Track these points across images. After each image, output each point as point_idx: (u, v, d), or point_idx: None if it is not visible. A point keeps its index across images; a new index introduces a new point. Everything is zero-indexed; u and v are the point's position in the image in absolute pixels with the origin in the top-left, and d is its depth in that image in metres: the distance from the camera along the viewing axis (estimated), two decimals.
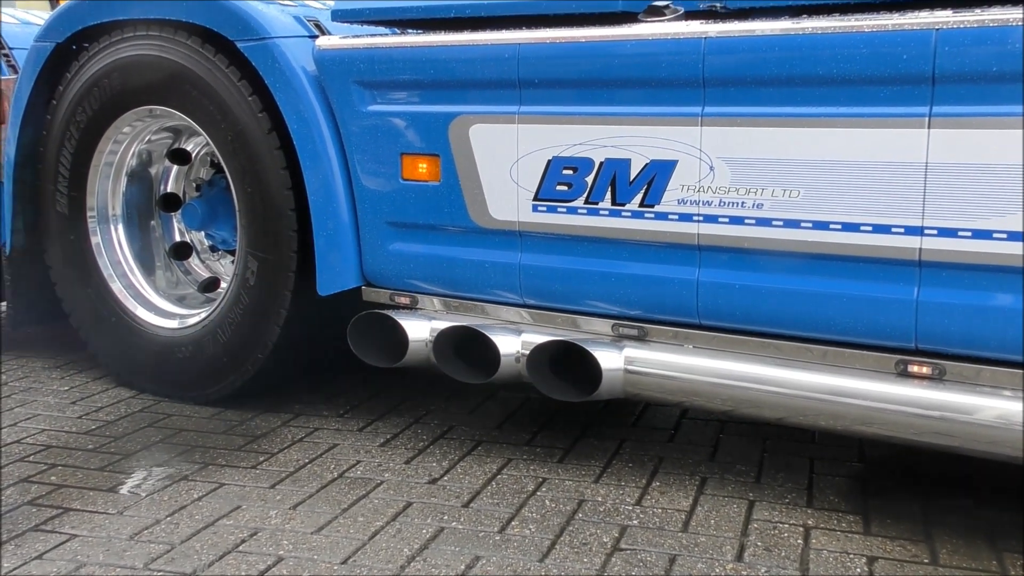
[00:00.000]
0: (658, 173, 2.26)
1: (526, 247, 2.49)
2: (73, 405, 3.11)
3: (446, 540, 2.15)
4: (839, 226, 2.08)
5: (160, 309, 3.19)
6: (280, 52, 2.69)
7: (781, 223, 2.14)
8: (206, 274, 3.38)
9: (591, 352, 2.35)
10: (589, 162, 2.34)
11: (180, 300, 3.26)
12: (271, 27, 2.72)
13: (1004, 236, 1.92)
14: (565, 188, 2.38)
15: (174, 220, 3.37)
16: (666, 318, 2.35)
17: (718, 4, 2.25)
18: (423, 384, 3.22)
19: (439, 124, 2.53)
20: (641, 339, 2.38)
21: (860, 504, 2.33)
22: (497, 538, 2.16)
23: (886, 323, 2.07)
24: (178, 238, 3.38)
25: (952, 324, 2.01)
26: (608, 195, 2.33)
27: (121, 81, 2.99)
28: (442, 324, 2.59)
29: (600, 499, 2.36)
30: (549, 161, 2.39)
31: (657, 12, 2.30)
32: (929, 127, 1.96)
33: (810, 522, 2.23)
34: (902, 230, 2.01)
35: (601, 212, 2.35)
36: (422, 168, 2.58)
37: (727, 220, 2.19)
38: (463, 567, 2.03)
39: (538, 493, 2.40)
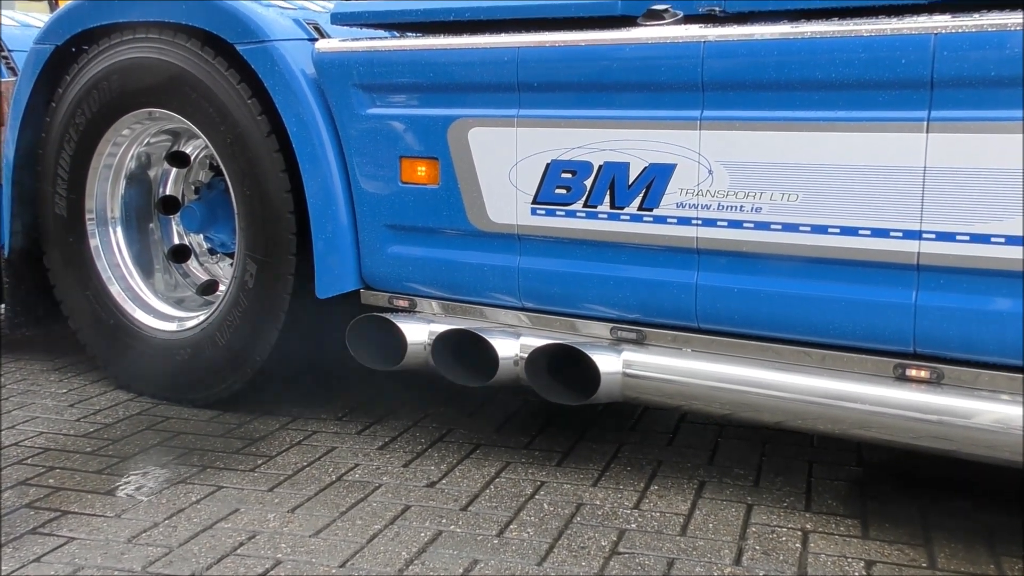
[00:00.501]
0: (657, 177, 2.26)
1: (525, 250, 2.49)
2: (71, 408, 3.10)
3: (444, 543, 2.15)
4: (838, 230, 2.08)
5: (159, 312, 3.18)
6: (279, 55, 2.69)
7: (780, 227, 2.14)
8: (205, 277, 3.38)
9: (589, 355, 2.35)
10: (588, 165, 2.34)
11: (179, 303, 3.26)
12: (271, 30, 2.72)
13: (1002, 240, 1.92)
14: (564, 191, 2.38)
15: (173, 223, 3.37)
16: (665, 322, 2.35)
17: (717, 8, 2.25)
18: (421, 387, 3.21)
19: (438, 127, 2.53)
20: (640, 343, 2.38)
21: (858, 508, 2.33)
22: (495, 541, 2.16)
23: (884, 327, 2.08)
24: (177, 241, 3.38)
25: (950, 328, 2.01)
26: (607, 198, 2.33)
27: (120, 84, 2.99)
28: (441, 327, 2.59)
29: (598, 503, 2.36)
30: (548, 164, 2.39)
31: (656, 16, 2.31)
32: (927, 131, 1.96)
33: (808, 526, 2.23)
34: (900, 234, 2.02)
35: (600, 215, 2.35)
36: (421, 171, 2.59)
37: (726, 224, 2.20)
38: (461, 570, 2.03)
39: (536, 496, 2.40)
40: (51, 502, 2.38)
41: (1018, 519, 2.26)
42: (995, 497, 2.38)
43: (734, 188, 2.17)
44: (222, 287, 3.24)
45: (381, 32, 2.86)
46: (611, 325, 2.41)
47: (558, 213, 2.40)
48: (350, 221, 2.71)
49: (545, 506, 2.34)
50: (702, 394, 2.28)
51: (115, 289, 3.19)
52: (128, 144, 3.16)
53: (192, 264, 3.40)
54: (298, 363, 3.10)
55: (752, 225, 2.17)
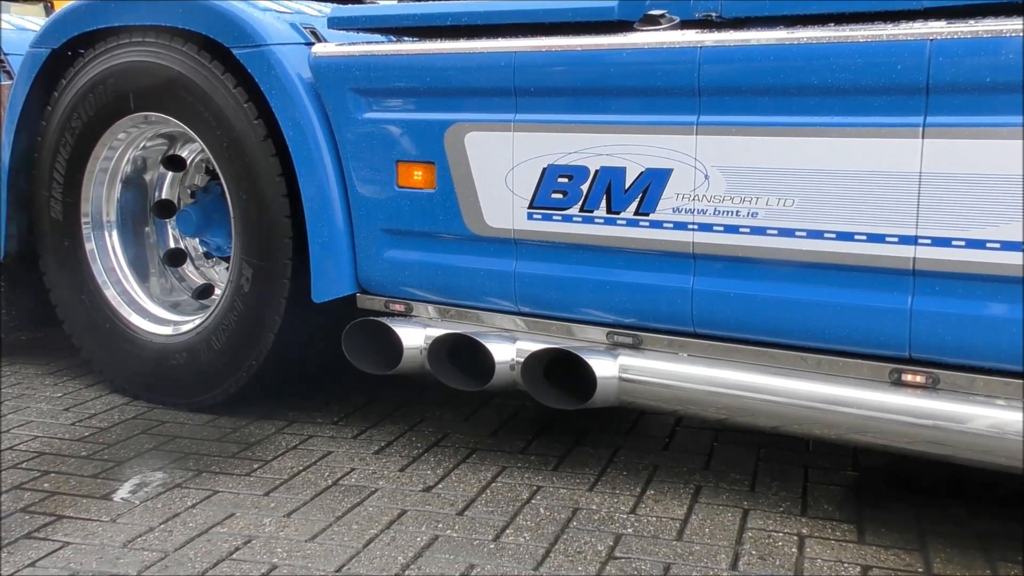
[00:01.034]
0: (653, 181, 2.26)
1: (521, 255, 2.49)
2: (66, 412, 3.10)
3: (440, 548, 2.14)
4: (833, 235, 2.09)
5: (154, 316, 3.18)
6: (276, 59, 2.69)
7: (776, 232, 2.14)
8: (200, 281, 3.37)
9: (586, 360, 2.35)
10: (584, 170, 2.34)
11: (174, 307, 3.25)
12: (267, 34, 2.72)
13: (997, 246, 1.92)
14: (560, 196, 2.38)
15: (168, 227, 3.37)
16: (661, 326, 2.35)
17: (714, 13, 2.25)
18: (417, 392, 3.21)
19: (435, 132, 2.53)
20: (636, 347, 2.38)
21: (854, 513, 2.33)
22: (492, 546, 2.15)
23: (880, 332, 2.08)
24: (172, 245, 3.38)
25: (946, 333, 2.01)
26: (603, 203, 2.33)
27: (116, 87, 2.99)
28: (437, 331, 2.59)
29: (595, 507, 2.36)
30: (544, 169, 2.39)
31: (653, 21, 2.31)
32: (923, 137, 1.97)
33: (804, 531, 2.23)
34: (896, 239, 2.02)
35: (596, 220, 2.35)
36: (417, 176, 2.59)
37: (722, 229, 2.20)
38: (457, 575, 2.02)
39: (533, 501, 2.39)
40: (46, 506, 2.38)
41: (1014, 524, 2.27)
42: (991, 502, 2.39)
43: (730, 193, 2.17)
44: (218, 291, 3.24)
45: (378, 36, 2.86)
46: (607, 330, 2.42)
47: (554, 218, 2.40)
48: (346, 225, 2.71)
49: (541, 511, 2.34)
50: (698, 399, 2.29)
51: (110, 293, 3.18)
52: (124, 148, 3.16)
53: (188, 268, 3.40)
54: (294, 367, 3.11)
55: (748, 230, 2.17)
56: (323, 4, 3.17)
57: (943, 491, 2.46)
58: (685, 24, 2.30)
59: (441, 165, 2.54)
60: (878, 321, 2.08)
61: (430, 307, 2.67)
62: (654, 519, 2.29)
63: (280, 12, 2.84)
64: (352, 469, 2.61)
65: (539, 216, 2.43)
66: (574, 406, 2.44)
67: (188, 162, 3.31)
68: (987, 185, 1.92)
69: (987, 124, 1.91)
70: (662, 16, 2.31)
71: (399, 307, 2.71)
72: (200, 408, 3.05)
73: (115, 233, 3.24)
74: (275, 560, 2.09)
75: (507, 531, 2.23)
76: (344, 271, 2.73)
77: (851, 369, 2.14)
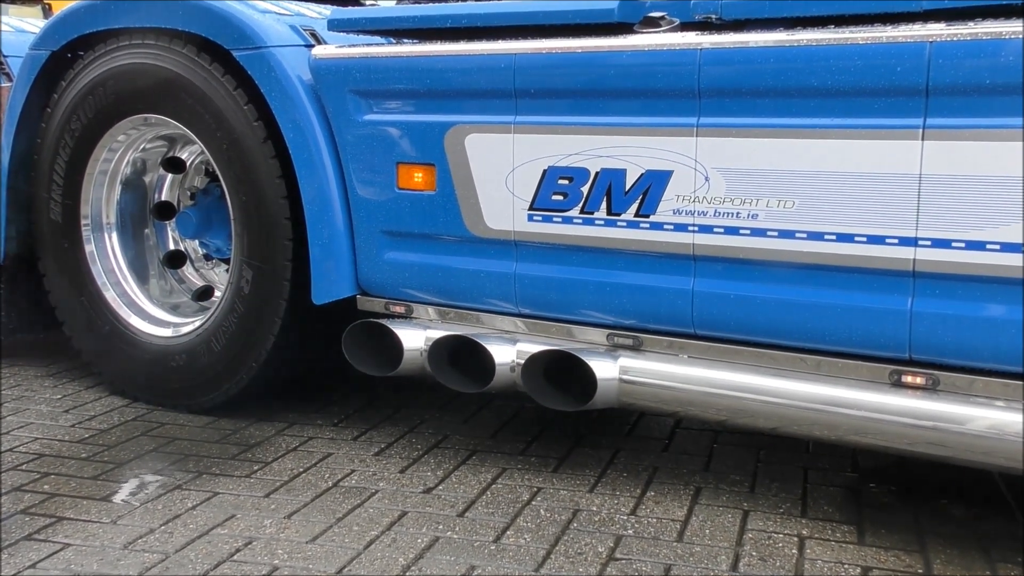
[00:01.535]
0: (653, 183, 2.26)
1: (521, 256, 2.50)
2: (66, 413, 3.10)
3: (441, 549, 2.14)
4: (833, 237, 2.09)
5: (154, 317, 3.18)
6: (276, 61, 2.69)
7: (776, 233, 2.15)
8: (200, 283, 3.37)
9: (586, 362, 2.35)
10: (584, 172, 2.34)
11: (174, 308, 3.25)
12: (267, 36, 2.72)
13: (997, 247, 1.93)
14: (560, 198, 2.39)
15: (168, 228, 3.37)
16: (661, 328, 2.35)
17: (714, 15, 2.26)
18: (418, 393, 3.22)
19: (435, 134, 2.54)
20: (636, 349, 2.38)
21: (854, 514, 2.33)
22: (492, 548, 2.16)
23: (880, 333, 2.08)
24: (172, 246, 3.38)
25: (946, 335, 2.02)
26: (603, 205, 2.33)
27: (116, 89, 2.99)
28: (437, 333, 2.59)
29: (595, 508, 2.36)
30: (544, 171, 2.39)
31: (653, 23, 2.31)
32: (923, 139, 1.97)
33: (805, 532, 2.24)
34: (896, 241, 2.02)
35: (596, 222, 2.35)
36: (418, 177, 2.59)
37: (722, 230, 2.20)
38: None
39: (533, 502, 2.40)
40: (46, 508, 2.38)
41: (1014, 525, 2.27)
42: (991, 503, 2.39)
43: (730, 195, 2.18)
44: (218, 293, 3.24)
45: (378, 38, 2.86)
46: (608, 331, 2.42)
47: (555, 219, 2.41)
48: (346, 227, 2.71)
49: (542, 512, 2.34)
50: (698, 400, 2.29)
51: (110, 295, 3.18)
52: (124, 150, 3.16)
53: (188, 270, 3.40)
54: (294, 369, 3.11)
55: (748, 232, 2.17)
56: (323, 6, 3.17)
57: (943, 492, 2.46)
58: (685, 26, 2.30)
59: (441, 167, 2.54)
60: (878, 322, 2.08)
61: (430, 309, 2.67)
62: (654, 520, 2.30)
63: (280, 14, 2.84)
64: (352, 471, 2.61)
65: (539, 218, 2.43)
66: (574, 408, 2.44)
67: (188, 164, 3.31)
68: (987, 187, 1.92)
69: (987, 126, 1.91)
70: (662, 18, 2.31)
71: (399, 309, 2.71)
72: (200, 410, 3.05)
73: (115, 235, 3.24)
74: (276, 561, 2.09)
75: (508, 532, 2.23)
76: (344, 273, 2.73)
77: (851, 370, 2.14)
